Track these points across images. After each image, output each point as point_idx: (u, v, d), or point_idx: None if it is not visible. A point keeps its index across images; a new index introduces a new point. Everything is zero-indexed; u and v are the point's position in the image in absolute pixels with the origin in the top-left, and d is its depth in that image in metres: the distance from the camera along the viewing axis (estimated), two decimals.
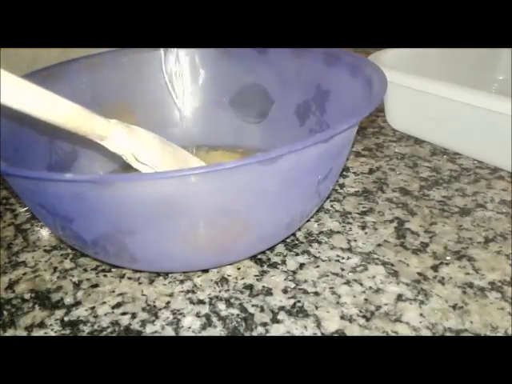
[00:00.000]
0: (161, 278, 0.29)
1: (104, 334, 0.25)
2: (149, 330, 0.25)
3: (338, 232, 0.32)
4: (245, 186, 0.23)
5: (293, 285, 0.28)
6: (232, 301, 0.27)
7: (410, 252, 0.30)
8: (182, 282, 0.28)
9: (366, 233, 0.32)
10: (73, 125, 0.25)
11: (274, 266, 0.29)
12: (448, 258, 0.29)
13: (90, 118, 0.25)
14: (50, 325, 0.26)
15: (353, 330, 0.25)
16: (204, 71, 0.39)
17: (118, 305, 0.27)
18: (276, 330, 0.25)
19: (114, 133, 0.27)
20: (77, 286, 0.29)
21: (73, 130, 0.25)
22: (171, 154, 0.30)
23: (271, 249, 0.30)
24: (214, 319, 0.26)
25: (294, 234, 0.32)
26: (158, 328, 0.25)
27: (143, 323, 0.26)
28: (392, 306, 0.26)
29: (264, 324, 0.25)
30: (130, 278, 0.29)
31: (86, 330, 0.26)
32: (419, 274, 0.28)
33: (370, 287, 0.27)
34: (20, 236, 0.33)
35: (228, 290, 0.28)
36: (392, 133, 0.44)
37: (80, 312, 0.27)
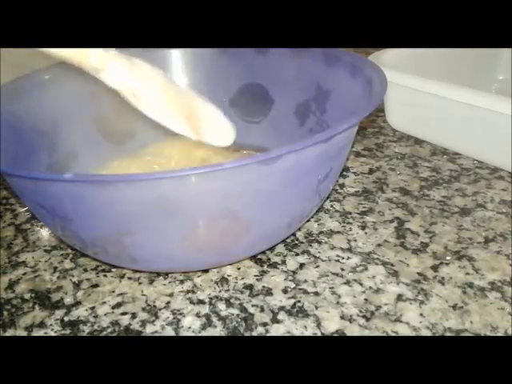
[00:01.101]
0: (161, 278, 0.29)
1: (104, 333, 0.25)
2: (149, 330, 0.25)
3: (338, 232, 0.32)
4: (245, 186, 0.23)
5: (293, 285, 0.28)
6: (232, 301, 0.27)
7: (410, 252, 0.30)
8: (181, 282, 0.28)
9: (365, 233, 0.32)
10: (66, 53, 0.23)
11: (274, 265, 0.29)
12: (448, 257, 0.29)
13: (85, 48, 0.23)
14: (50, 325, 0.26)
15: (353, 330, 0.25)
16: (204, 71, 0.39)
17: (118, 305, 0.27)
18: (276, 330, 0.25)
19: (112, 64, 0.25)
20: (77, 286, 0.29)
21: (67, 60, 0.23)
22: (176, 95, 0.28)
23: (271, 249, 0.30)
24: (214, 319, 0.26)
25: (294, 234, 0.32)
26: (158, 328, 0.25)
27: (143, 323, 0.26)
28: (392, 306, 0.26)
29: (264, 324, 0.25)
30: (130, 278, 0.29)
31: (86, 330, 0.26)
32: (419, 274, 0.28)
33: (370, 287, 0.27)
34: (20, 236, 0.33)
35: (228, 290, 0.28)
36: (392, 133, 0.44)
37: (80, 312, 0.27)
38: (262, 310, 0.26)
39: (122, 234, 0.24)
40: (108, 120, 0.37)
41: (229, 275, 0.29)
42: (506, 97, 0.35)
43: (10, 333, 0.26)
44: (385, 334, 0.24)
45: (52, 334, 0.25)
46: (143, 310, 0.27)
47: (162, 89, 0.27)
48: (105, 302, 0.27)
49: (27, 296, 0.28)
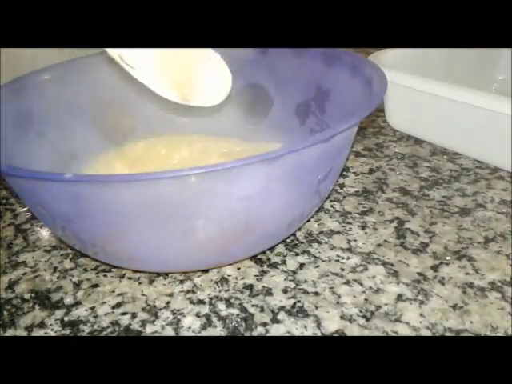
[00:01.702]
0: (161, 278, 0.29)
1: (104, 333, 0.25)
2: (149, 330, 0.25)
3: (338, 232, 0.32)
4: (245, 186, 0.23)
5: (293, 285, 0.28)
6: (232, 301, 0.27)
7: (410, 252, 0.30)
8: (181, 281, 0.28)
9: (366, 233, 0.32)
10: None
11: (274, 265, 0.29)
12: (448, 257, 0.29)
13: None
14: (50, 325, 0.26)
15: (353, 330, 0.25)
16: None
17: (118, 305, 0.27)
18: (276, 330, 0.25)
19: None
20: (77, 286, 0.29)
21: None
22: (173, 58, 0.27)
23: (271, 249, 0.30)
24: (214, 319, 0.26)
25: (294, 234, 0.32)
26: (158, 328, 0.25)
27: (143, 323, 0.26)
28: (392, 306, 0.26)
29: (264, 324, 0.25)
30: (130, 278, 0.29)
31: (86, 330, 0.26)
32: (419, 274, 0.28)
33: (370, 287, 0.27)
34: (20, 236, 0.33)
35: (228, 290, 0.28)
36: (392, 133, 0.44)
37: (80, 312, 0.27)
38: (262, 309, 0.26)
39: (121, 234, 0.24)
40: (108, 120, 0.37)
41: (229, 275, 0.29)
42: (506, 97, 0.35)
43: (10, 333, 0.26)
44: (385, 334, 0.24)
45: (52, 334, 0.25)
46: (143, 310, 0.27)
47: (155, 56, 0.27)
48: (105, 302, 0.27)
49: (27, 296, 0.28)
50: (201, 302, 0.27)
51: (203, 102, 0.30)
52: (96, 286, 0.28)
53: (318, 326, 0.25)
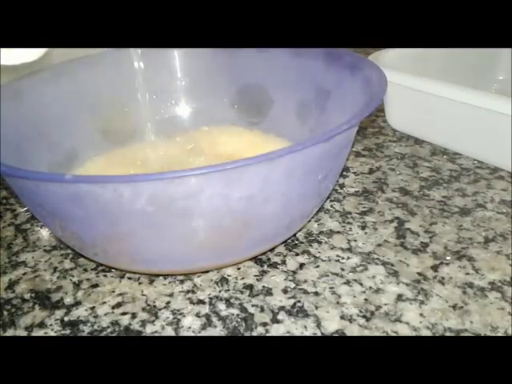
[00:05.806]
0: (161, 278, 0.29)
1: (104, 334, 0.25)
2: (149, 330, 0.25)
3: (338, 232, 0.32)
4: (245, 187, 0.23)
5: (293, 285, 0.28)
6: (232, 301, 0.27)
7: (410, 252, 0.30)
8: (182, 281, 0.28)
9: (365, 233, 0.32)
10: None
11: (274, 265, 0.29)
12: (448, 257, 0.29)
13: None
14: (50, 325, 0.26)
15: (353, 330, 0.25)
16: (204, 71, 0.39)
17: (118, 305, 0.27)
18: (276, 330, 0.25)
19: None
20: (77, 286, 0.29)
21: None
22: None
23: (271, 249, 0.30)
24: (214, 319, 0.26)
25: (294, 234, 0.32)
26: (158, 328, 0.25)
27: (143, 323, 0.26)
28: (392, 305, 0.26)
29: (264, 324, 0.25)
30: (129, 278, 0.29)
31: (85, 330, 0.26)
32: (419, 274, 0.28)
33: (370, 287, 0.27)
34: (20, 236, 0.33)
35: (228, 290, 0.28)
36: (392, 133, 0.44)
37: (80, 312, 0.27)
38: (262, 309, 0.26)
39: (121, 235, 0.24)
40: (108, 119, 0.37)
41: (229, 275, 0.29)
42: (506, 97, 0.35)
43: (10, 333, 0.26)
44: (385, 334, 0.24)
45: (52, 334, 0.25)
46: (143, 310, 0.27)
47: None
48: (105, 302, 0.27)
49: (27, 296, 0.28)
50: (201, 302, 0.27)
51: (6, 60, 0.27)
52: (96, 285, 0.28)
53: (318, 326, 0.25)
